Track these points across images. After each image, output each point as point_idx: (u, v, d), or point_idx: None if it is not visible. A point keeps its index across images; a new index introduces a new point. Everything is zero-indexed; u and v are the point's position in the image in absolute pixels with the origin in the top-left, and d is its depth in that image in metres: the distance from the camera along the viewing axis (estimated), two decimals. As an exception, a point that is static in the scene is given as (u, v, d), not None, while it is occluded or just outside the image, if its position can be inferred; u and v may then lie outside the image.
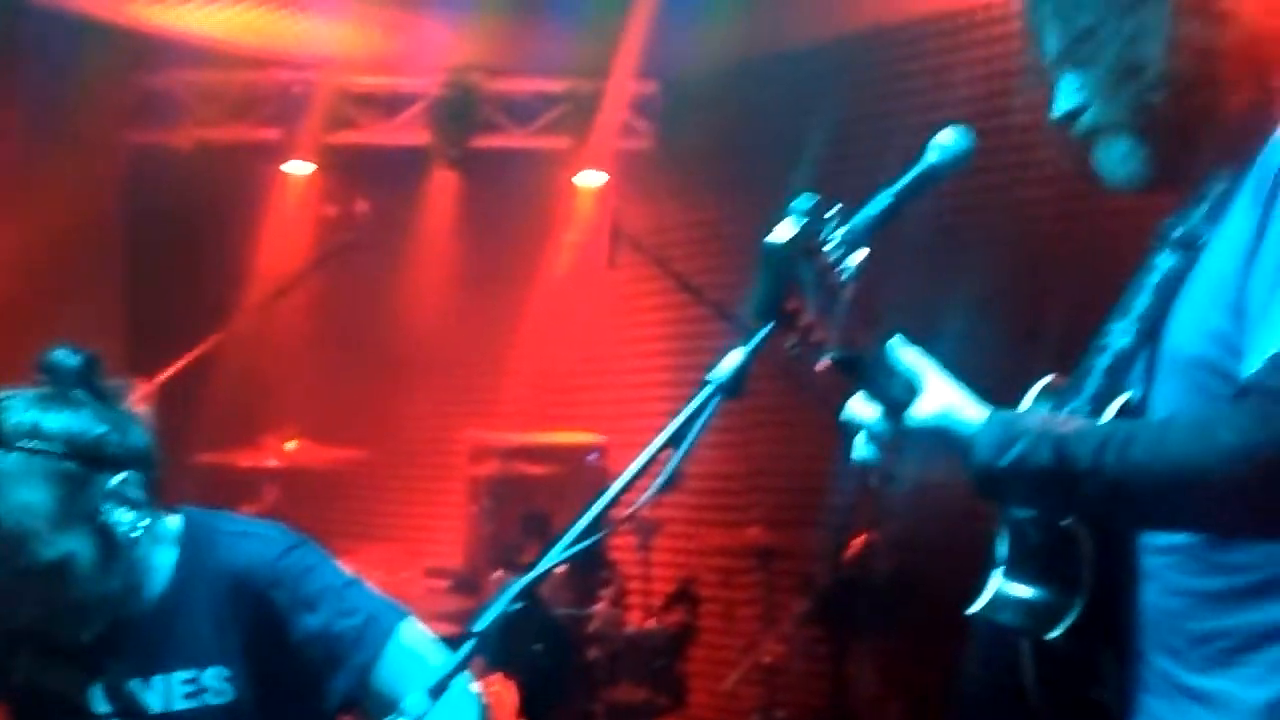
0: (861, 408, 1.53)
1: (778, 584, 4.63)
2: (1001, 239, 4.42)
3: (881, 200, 1.53)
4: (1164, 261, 1.50)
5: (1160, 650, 1.48)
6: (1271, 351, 1.32)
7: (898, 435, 1.49)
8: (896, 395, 1.49)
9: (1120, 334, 1.52)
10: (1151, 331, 1.49)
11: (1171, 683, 1.47)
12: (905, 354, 1.51)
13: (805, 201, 1.45)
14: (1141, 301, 1.51)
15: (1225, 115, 1.45)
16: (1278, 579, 1.39)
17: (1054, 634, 1.47)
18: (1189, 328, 1.45)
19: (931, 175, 1.56)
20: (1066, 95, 1.53)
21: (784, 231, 1.42)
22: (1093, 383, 1.53)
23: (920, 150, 1.59)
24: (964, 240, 4.34)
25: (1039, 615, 1.50)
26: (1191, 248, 1.47)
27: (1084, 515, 1.46)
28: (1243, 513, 1.34)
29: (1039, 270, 4.28)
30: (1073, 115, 1.53)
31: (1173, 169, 1.51)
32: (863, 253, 1.44)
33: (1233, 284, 1.39)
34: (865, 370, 1.48)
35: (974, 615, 1.56)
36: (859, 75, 4.98)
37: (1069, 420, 1.47)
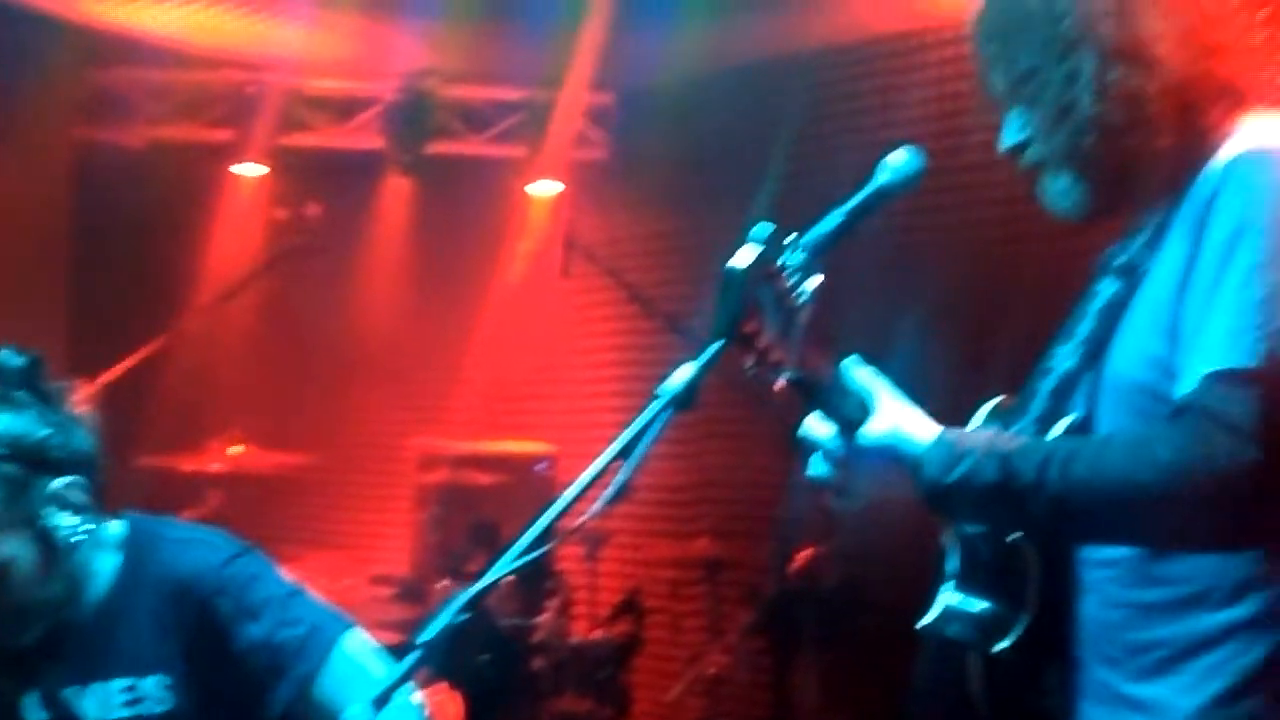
0: (817, 426, 1.58)
1: (724, 595, 4.65)
2: (951, 259, 4.48)
3: (833, 219, 1.57)
4: (1106, 288, 1.57)
5: (1100, 660, 1.54)
6: (1204, 371, 1.39)
7: (851, 453, 1.54)
8: (850, 414, 1.54)
9: (1065, 357, 1.59)
10: (1095, 355, 1.55)
11: (1111, 691, 1.52)
12: (859, 374, 1.57)
13: (763, 230, 1.51)
14: (1085, 326, 1.58)
15: (1155, 155, 1.52)
16: (1209, 590, 1.45)
17: (1002, 646, 1.53)
18: (1130, 353, 1.51)
19: (883, 194, 1.60)
20: (1011, 130, 1.61)
21: (744, 257, 1.48)
22: (1038, 404, 1.59)
23: (872, 169, 1.62)
24: (914, 260, 4.39)
25: (987, 628, 1.55)
26: (1132, 275, 1.54)
27: (1029, 529, 1.52)
28: (1179, 526, 1.41)
29: (989, 290, 4.34)
30: (1019, 148, 1.61)
31: (1110, 202, 1.58)
32: (819, 278, 1.50)
33: (1168, 310, 1.46)
34: (820, 390, 1.54)
35: (924, 628, 1.62)
36: (813, 93, 5.02)
37: (1014, 438, 1.52)
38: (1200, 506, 1.38)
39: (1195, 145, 1.51)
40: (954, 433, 1.54)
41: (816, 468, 1.60)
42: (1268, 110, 1.54)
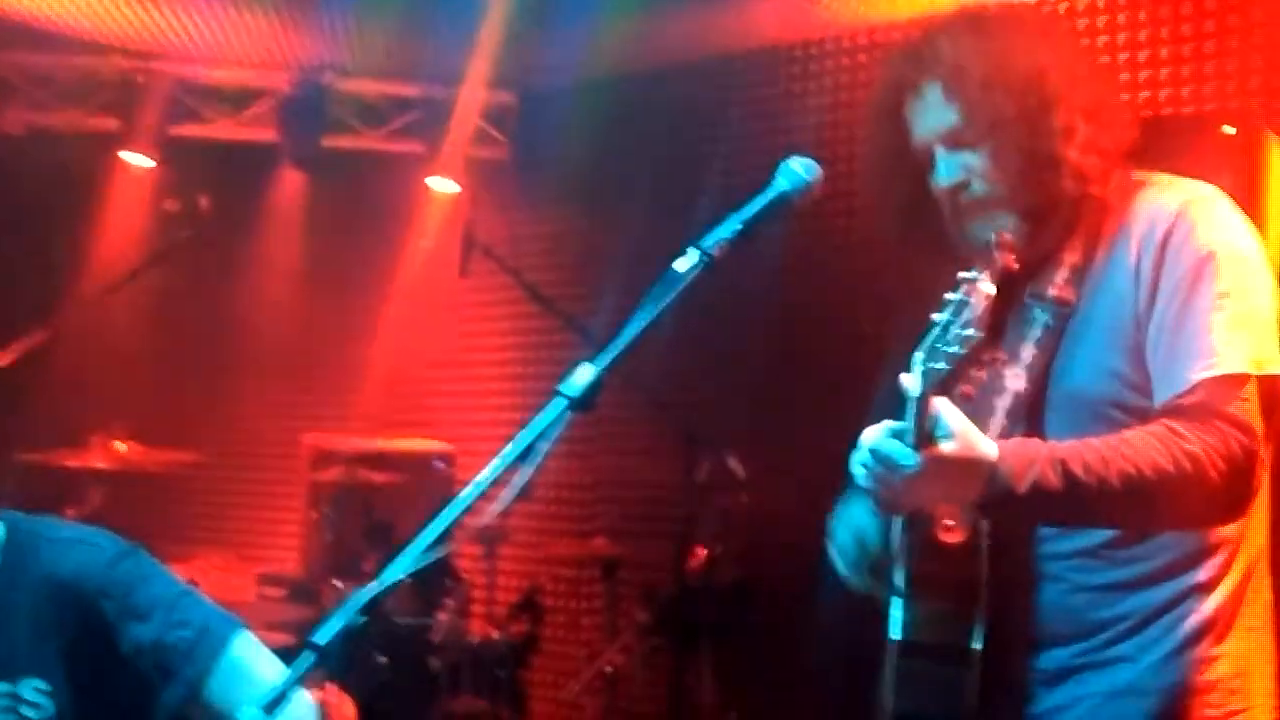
0: (887, 441, 1.58)
1: (621, 594, 4.67)
2: (843, 266, 4.55)
3: (731, 224, 1.61)
4: (1040, 316, 1.76)
5: (1060, 641, 1.73)
6: (1201, 376, 1.63)
7: (929, 465, 1.55)
8: (930, 430, 1.56)
9: (1014, 379, 1.75)
10: (1040, 377, 1.73)
11: (1073, 665, 1.72)
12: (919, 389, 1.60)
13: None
14: (1028, 351, 1.75)
15: (1094, 203, 1.75)
16: (1164, 565, 1.69)
17: (976, 645, 1.67)
18: (1088, 370, 1.72)
19: (781, 201, 1.64)
20: (950, 171, 1.78)
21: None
22: (996, 422, 1.74)
23: (769, 176, 1.64)
24: (806, 266, 4.45)
25: (951, 631, 1.69)
26: (1065, 306, 1.75)
27: (1085, 524, 1.69)
28: (1213, 505, 1.63)
29: (879, 295, 4.41)
30: (959, 187, 1.77)
31: (1035, 241, 1.77)
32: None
33: (1126, 335, 1.69)
34: (898, 405, 1.57)
35: (895, 642, 1.72)
36: (711, 98, 5.08)
37: (1059, 445, 1.64)
38: (1227, 488, 1.60)
39: (1108, 196, 1.75)
40: (1010, 444, 1.63)
41: (886, 480, 1.58)
42: (1201, 122, 1.82)
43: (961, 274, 1.60)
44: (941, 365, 1.54)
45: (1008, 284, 1.76)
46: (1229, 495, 1.63)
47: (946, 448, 1.56)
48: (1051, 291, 1.76)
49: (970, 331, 1.55)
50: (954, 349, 1.54)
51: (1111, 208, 1.77)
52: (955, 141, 1.76)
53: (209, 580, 3.89)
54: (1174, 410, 1.64)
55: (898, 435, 1.57)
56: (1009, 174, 1.74)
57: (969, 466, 1.58)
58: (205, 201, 5.09)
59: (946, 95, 1.75)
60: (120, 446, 4.68)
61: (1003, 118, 1.72)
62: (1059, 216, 1.76)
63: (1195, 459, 1.58)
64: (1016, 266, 1.68)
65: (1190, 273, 1.68)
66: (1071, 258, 1.77)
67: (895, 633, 1.72)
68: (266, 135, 5.47)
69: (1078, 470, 1.58)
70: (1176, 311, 1.67)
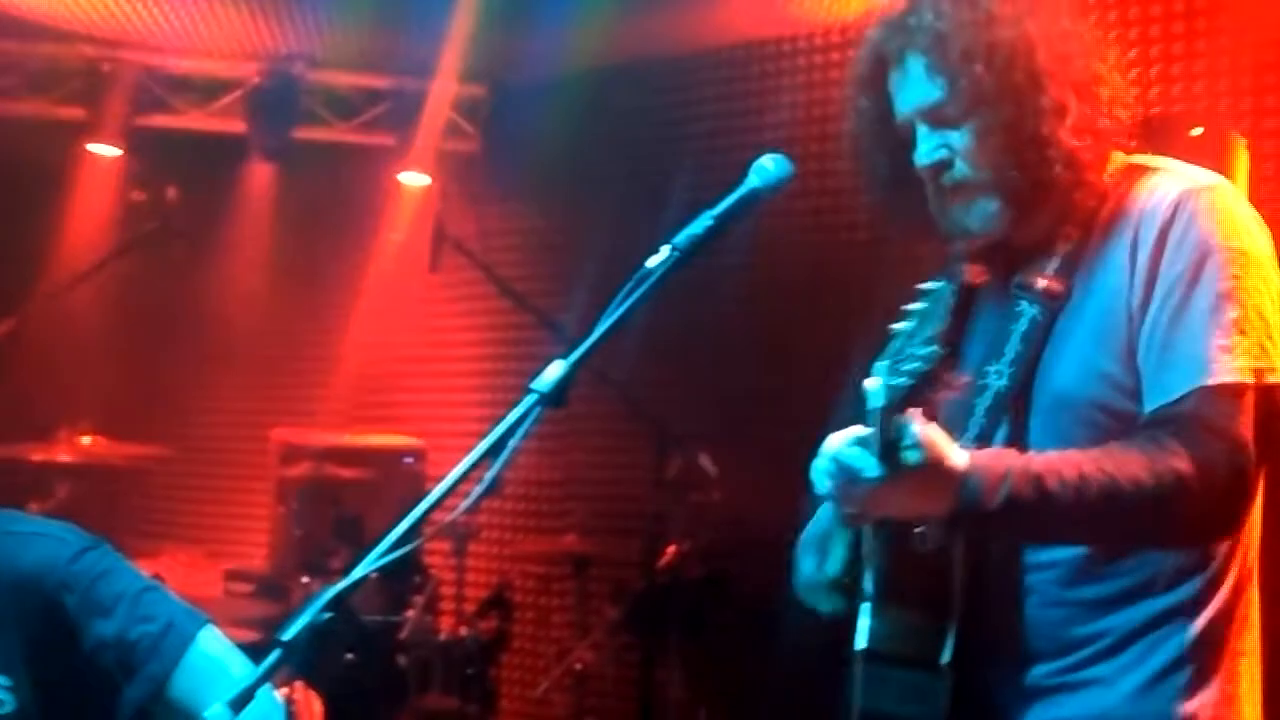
0: (849, 450, 1.50)
1: (591, 591, 4.66)
2: (814, 260, 4.56)
3: (704, 220, 1.58)
4: (1027, 310, 1.66)
5: (1037, 657, 1.63)
6: (1193, 385, 1.53)
7: (893, 474, 1.47)
8: (894, 438, 1.48)
9: (996, 376, 1.66)
10: (1026, 375, 1.64)
11: (1049, 683, 1.62)
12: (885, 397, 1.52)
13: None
14: (1013, 347, 1.66)
15: (1089, 187, 1.65)
16: (1145, 581, 1.60)
17: (944, 658, 1.59)
18: (1076, 371, 1.62)
19: (753, 198, 1.61)
20: (929, 148, 1.67)
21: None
22: (975, 422, 1.66)
23: (742, 172, 1.63)
24: (775, 261, 4.46)
25: (921, 642, 1.61)
26: (1054, 299, 1.65)
27: (1059, 542, 1.60)
28: (1196, 523, 1.55)
29: (849, 290, 4.43)
30: (940, 166, 1.66)
31: (1023, 228, 1.67)
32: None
33: (1117, 333, 1.59)
34: (862, 412, 1.49)
35: (859, 652, 1.64)
36: (684, 94, 5.07)
37: (1033, 458, 1.55)
38: (1210, 506, 1.52)
39: (1104, 181, 1.66)
40: (983, 456, 1.55)
41: (848, 489, 1.52)
42: (1125, 151, 1.70)
43: (922, 285, 1.51)
44: (903, 381, 1.46)
45: (994, 273, 1.71)
46: (1213, 515, 1.54)
47: (911, 458, 1.47)
48: (1040, 283, 1.65)
49: (932, 349, 1.46)
50: (915, 365, 1.46)
51: (1109, 194, 1.65)
52: (938, 118, 1.65)
53: (174, 576, 3.85)
54: (1162, 421, 1.54)
55: (862, 444, 1.48)
56: (994, 155, 1.62)
57: (936, 478, 1.49)
58: (173, 192, 5.04)
59: (929, 67, 1.64)
60: (86, 440, 4.63)
61: (988, 93, 1.60)
62: (1051, 203, 1.64)
63: (1180, 476, 1.48)
64: (981, 281, 1.61)
65: (1189, 269, 1.56)
66: (1064, 247, 1.66)
67: (862, 642, 1.64)
68: (236, 126, 5.42)
69: (1053, 485, 1.49)
70: (1172, 311, 1.56)
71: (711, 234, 1.57)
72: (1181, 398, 1.53)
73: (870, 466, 1.48)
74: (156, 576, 1.97)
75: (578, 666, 4.46)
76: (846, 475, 1.50)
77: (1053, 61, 1.61)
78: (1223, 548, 1.61)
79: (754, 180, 1.62)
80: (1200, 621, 1.59)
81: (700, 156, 4.74)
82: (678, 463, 4.20)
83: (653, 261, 1.55)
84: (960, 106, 1.62)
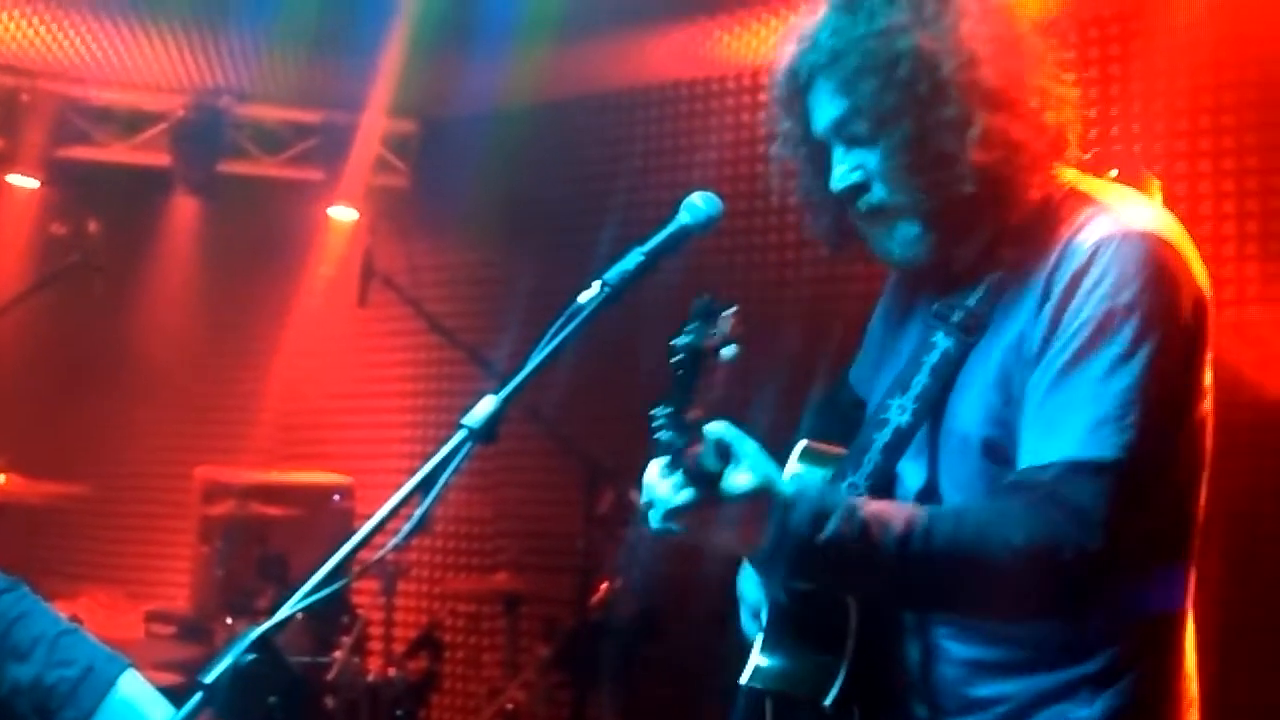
0: (660, 482, 1.45)
1: (523, 629, 4.62)
2: (744, 297, 4.59)
3: (634, 257, 1.57)
4: (941, 342, 1.57)
5: (931, 710, 1.57)
6: (1062, 458, 1.42)
7: (707, 504, 1.41)
8: (709, 466, 1.42)
9: (899, 411, 1.58)
10: (932, 411, 1.56)
11: None
12: (717, 426, 1.45)
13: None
14: (919, 380, 1.57)
15: (1014, 208, 1.52)
16: (1049, 653, 1.50)
17: (828, 700, 1.51)
18: (974, 411, 1.53)
19: (683, 235, 1.59)
20: (845, 171, 1.57)
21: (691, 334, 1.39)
22: (871, 459, 1.59)
23: (672, 209, 1.64)
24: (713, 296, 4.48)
25: (808, 681, 1.54)
26: (970, 332, 1.54)
27: (878, 594, 1.50)
28: (1022, 603, 1.44)
29: (782, 331, 4.47)
30: (855, 190, 1.57)
31: (950, 253, 1.58)
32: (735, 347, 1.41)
33: (1011, 372, 1.49)
34: (673, 442, 1.41)
35: (744, 688, 1.59)
36: (614, 131, 5.11)
37: (868, 502, 1.47)
38: (1044, 587, 1.41)
39: (1047, 202, 1.53)
40: (813, 489, 1.48)
41: (657, 521, 1.46)
42: (1080, 167, 1.57)
43: (676, 341, 1.40)
44: (672, 438, 1.38)
45: (912, 300, 1.65)
46: (1040, 593, 1.41)
47: (724, 483, 1.40)
48: (958, 315, 1.55)
49: (690, 418, 1.37)
50: (682, 431, 1.37)
51: (1050, 215, 1.51)
52: (850, 137, 1.55)
53: (94, 618, 3.76)
54: (1023, 485, 1.43)
55: (671, 467, 1.41)
56: (906, 174, 1.51)
57: (752, 506, 1.40)
58: (94, 226, 4.95)
59: (833, 85, 1.53)
60: (1, 479, 4.51)
61: (889, 109, 1.49)
62: (980, 224, 1.53)
63: (1016, 552, 1.38)
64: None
65: (1088, 326, 1.43)
66: (992, 275, 1.53)
67: (745, 677, 1.59)
68: (160, 160, 5.35)
69: (877, 534, 1.40)
70: (1058, 371, 1.44)
71: (642, 270, 1.55)
72: (1046, 466, 1.42)
73: (674, 492, 1.41)
74: (75, 618, 1.92)
75: (509, 707, 4.41)
76: (654, 503, 1.45)
77: (959, 71, 1.47)
78: (1143, 618, 1.50)
79: (684, 217, 1.60)
80: (1114, 696, 1.49)
81: (631, 193, 4.77)
82: (609, 498, 4.19)
83: (584, 297, 1.53)
84: (867, 124, 1.52)
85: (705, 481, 1.41)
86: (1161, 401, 1.43)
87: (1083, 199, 1.54)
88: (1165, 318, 1.44)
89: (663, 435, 1.39)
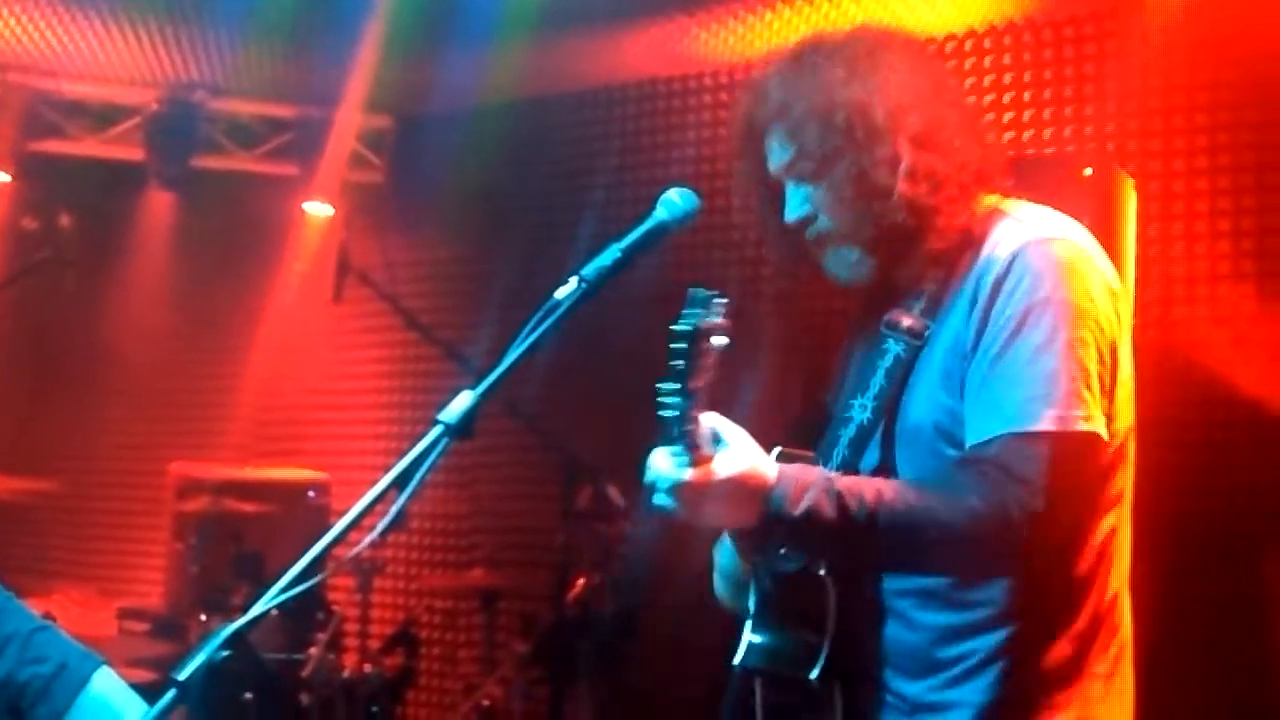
0: (663, 461, 1.62)
1: (499, 625, 4.62)
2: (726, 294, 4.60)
3: (611, 253, 1.64)
4: (892, 348, 1.78)
5: (902, 675, 1.73)
6: (1000, 431, 1.63)
7: (700, 485, 1.59)
8: (706, 447, 1.59)
9: (860, 409, 1.79)
10: (888, 409, 1.76)
11: (911, 701, 1.72)
12: (707, 415, 1.62)
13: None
14: (876, 381, 1.77)
15: (939, 232, 1.74)
16: (1003, 612, 1.69)
17: (813, 674, 1.67)
18: (925, 404, 1.73)
19: (659, 231, 1.70)
20: (795, 205, 1.80)
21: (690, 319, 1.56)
22: (839, 452, 1.78)
23: (649, 206, 1.67)
24: (683, 294, 4.49)
25: (796, 659, 1.69)
26: (916, 337, 1.76)
27: (851, 560, 1.69)
28: (978, 559, 1.66)
29: (759, 327, 4.48)
30: (804, 221, 1.79)
31: (890, 273, 1.79)
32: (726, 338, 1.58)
33: (955, 369, 1.71)
34: (677, 419, 1.57)
35: (736, 666, 1.73)
36: (591, 128, 5.11)
37: (842, 477, 1.67)
38: (998, 546, 1.62)
39: (969, 226, 1.76)
40: (793, 468, 1.65)
41: (661, 500, 1.62)
42: (1000, 193, 1.80)
43: (676, 326, 1.56)
44: (676, 416, 1.56)
45: (866, 312, 1.85)
46: (1000, 553, 1.64)
47: (716, 464, 1.58)
48: (905, 322, 1.77)
49: (691, 396, 1.54)
50: (684, 410, 1.55)
51: (974, 236, 1.76)
52: (797, 176, 1.78)
53: (67, 615, 3.74)
54: (970, 461, 1.65)
55: (674, 452, 1.59)
56: (845, 207, 1.75)
57: (742, 484, 1.60)
58: (66, 220, 4.92)
59: (781, 134, 1.78)
60: (-30, 475, 4.48)
61: (830, 152, 1.73)
62: (917, 247, 1.75)
63: (972, 514, 1.59)
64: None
65: (1013, 320, 1.66)
66: (930, 288, 1.77)
67: (738, 658, 1.74)
68: (133, 154, 5.31)
69: (851, 504, 1.60)
70: (992, 359, 1.66)
71: (619, 266, 1.63)
72: (989, 441, 1.63)
73: (676, 471, 1.59)
74: (48, 616, 1.92)
75: (485, 703, 4.41)
76: (658, 483, 1.61)
77: (890, 114, 1.72)
78: (1081, 574, 1.70)
79: (661, 213, 1.69)
80: (1059, 646, 1.69)
81: (607, 189, 4.78)
82: (586, 494, 4.20)
83: (561, 293, 1.60)
84: (812, 165, 1.75)
85: (703, 460, 1.58)
86: (1083, 378, 1.64)
87: (998, 215, 1.78)
88: (1077, 307, 1.66)
89: (667, 413, 1.56)
